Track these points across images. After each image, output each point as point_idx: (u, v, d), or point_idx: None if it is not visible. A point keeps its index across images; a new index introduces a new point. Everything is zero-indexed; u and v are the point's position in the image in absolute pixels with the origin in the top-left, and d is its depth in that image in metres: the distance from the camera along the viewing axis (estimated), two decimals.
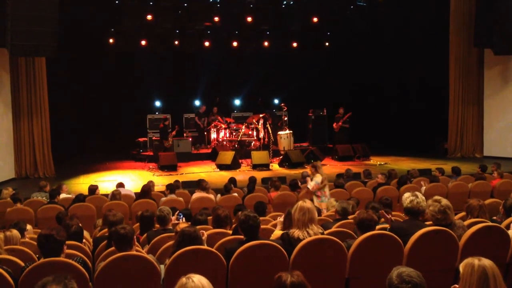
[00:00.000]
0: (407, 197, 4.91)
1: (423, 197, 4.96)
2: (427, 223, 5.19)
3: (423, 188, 9.28)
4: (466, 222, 5.13)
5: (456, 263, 4.57)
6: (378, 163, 15.54)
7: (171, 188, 9.38)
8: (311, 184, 8.74)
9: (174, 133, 16.42)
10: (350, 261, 4.46)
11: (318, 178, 8.75)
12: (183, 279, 2.76)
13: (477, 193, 9.01)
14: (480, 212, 5.49)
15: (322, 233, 4.78)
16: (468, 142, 16.65)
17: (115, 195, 8.89)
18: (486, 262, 2.99)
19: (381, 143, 18.25)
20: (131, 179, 13.35)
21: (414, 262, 4.23)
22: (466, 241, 4.53)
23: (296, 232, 4.64)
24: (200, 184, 9.47)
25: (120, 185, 10.38)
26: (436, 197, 4.83)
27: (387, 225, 5.24)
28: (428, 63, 17.24)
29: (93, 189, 9.67)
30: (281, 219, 5.69)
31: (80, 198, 8.85)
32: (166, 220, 5.76)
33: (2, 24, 12.03)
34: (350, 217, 6.07)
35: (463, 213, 5.91)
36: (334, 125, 17.67)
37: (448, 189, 9.32)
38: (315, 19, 18.32)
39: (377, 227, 5.02)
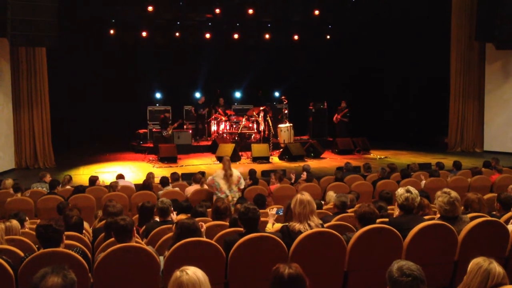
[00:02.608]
0: (401, 193, 4.91)
1: (417, 192, 4.96)
2: (426, 217, 5.20)
3: (423, 182, 9.30)
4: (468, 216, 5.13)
5: (455, 257, 4.58)
6: (378, 157, 15.54)
7: (162, 182, 9.43)
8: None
9: (176, 125, 16.41)
10: (349, 254, 4.47)
11: (216, 172, 8.48)
12: (177, 273, 2.72)
13: (477, 188, 9.00)
14: (480, 206, 5.51)
15: (322, 226, 4.79)
16: (468, 136, 16.64)
17: (112, 187, 8.94)
18: (494, 267, 2.99)
19: (381, 137, 18.25)
20: (131, 170, 13.35)
21: (413, 255, 4.24)
22: (465, 235, 4.54)
23: (297, 226, 4.64)
24: (194, 177, 9.49)
25: (120, 176, 10.39)
26: (446, 189, 4.85)
27: (386, 219, 5.25)
28: (429, 57, 17.20)
29: (93, 180, 9.68)
30: (272, 211, 5.69)
31: (79, 189, 8.87)
32: (167, 212, 5.77)
33: (3, 14, 12.01)
34: (349, 210, 6.08)
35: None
36: (334, 117, 17.73)
37: (447, 184, 9.31)
38: (316, 12, 18.28)
39: (377, 220, 5.02)
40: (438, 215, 5.07)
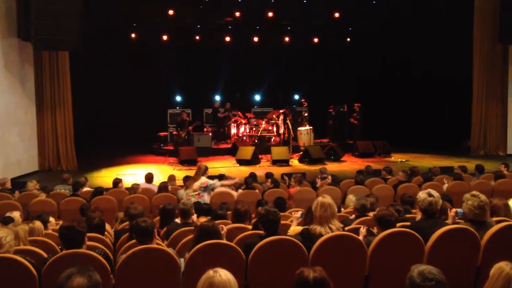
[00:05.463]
0: (424, 198, 4.83)
1: (439, 195, 4.89)
2: (447, 221, 5.14)
3: (445, 185, 9.18)
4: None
5: (478, 262, 4.52)
6: (399, 160, 15.41)
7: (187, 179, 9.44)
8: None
9: (191, 128, 16.40)
10: (370, 258, 4.44)
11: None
12: (211, 272, 2.77)
13: (501, 192, 8.85)
14: (506, 211, 5.42)
15: (343, 229, 4.76)
16: (491, 139, 16.43)
17: (133, 189, 9.03)
18: None
19: (402, 140, 18.09)
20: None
21: (435, 260, 4.19)
22: (488, 240, 4.47)
23: (318, 229, 4.62)
24: (224, 179, 9.51)
25: (149, 176, 10.37)
26: (474, 192, 4.78)
27: (407, 223, 5.20)
28: (451, 59, 17.01)
29: (117, 182, 9.78)
30: (297, 214, 5.67)
31: (98, 191, 8.95)
32: (189, 213, 5.81)
33: (27, 18, 12.24)
34: (370, 214, 6.03)
35: None
36: (350, 119, 17.79)
37: (470, 188, 9.16)
38: (336, 14, 18.21)
39: (398, 224, 4.97)
40: (452, 216, 5.02)
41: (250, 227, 5.52)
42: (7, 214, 6.34)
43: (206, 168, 8.63)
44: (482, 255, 4.49)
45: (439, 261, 4.06)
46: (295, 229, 5.40)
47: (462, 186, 9.04)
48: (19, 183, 11.02)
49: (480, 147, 16.48)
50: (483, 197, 4.70)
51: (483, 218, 4.68)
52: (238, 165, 14.66)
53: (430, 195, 4.82)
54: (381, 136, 17.01)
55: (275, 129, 17.21)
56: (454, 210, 5.11)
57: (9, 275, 3.99)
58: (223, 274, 2.76)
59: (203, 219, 5.35)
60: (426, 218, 4.85)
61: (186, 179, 9.64)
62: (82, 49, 13.01)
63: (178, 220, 5.96)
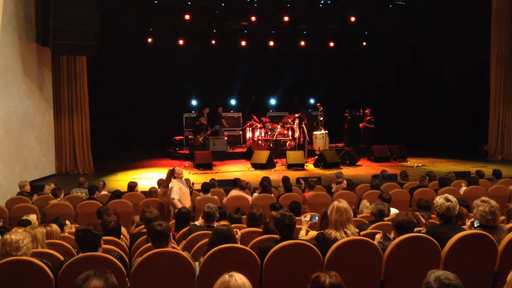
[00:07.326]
0: (441, 203, 4.78)
1: (456, 200, 4.85)
2: (464, 226, 5.09)
3: (462, 189, 9.10)
4: (507, 226, 5.00)
5: (495, 268, 4.46)
6: (416, 164, 15.28)
7: (205, 188, 9.37)
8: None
9: (209, 132, 16.47)
10: (385, 263, 4.41)
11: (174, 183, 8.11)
12: (226, 276, 2.78)
13: None
14: None
15: (359, 234, 4.74)
16: (509, 144, 16.22)
17: (151, 193, 9.08)
18: None
19: (419, 145, 17.96)
20: None
21: (451, 265, 4.15)
22: (505, 246, 4.42)
23: (333, 233, 4.60)
24: (238, 183, 9.48)
25: (161, 182, 10.41)
26: (484, 198, 4.75)
27: (422, 228, 5.15)
28: (468, 63, 16.86)
29: (132, 186, 9.83)
30: (306, 218, 5.65)
31: (116, 194, 9.01)
32: (213, 217, 5.83)
33: (45, 23, 12.39)
34: (386, 219, 5.99)
35: (502, 217, 5.77)
36: (361, 124, 17.68)
37: (487, 192, 9.08)
38: (352, 18, 18.13)
39: (415, 229, 4.93)
40: (468, 226, 4.97)
41: None
42: (24, 217, 6.42)
43: (173, 171, 8.39)
44: (499, 260, 4.44)
45: (455, 266, 4.03)
46: (302, 233, 5.39)
47: (479, 191, 8.96)
48: (37, 186, 11.16)
49: (497, 152, 16.28)
50: (493, 202, 4.69)
51: (495, 223, 4.66)
52: (253, 169, 14.67)
53: (447, 200, 4.77)
54: (397, 140, 16.87)
55: (290, 133, 17.20)
56: (470, 221, 5.06)
57: (26, 277, 4.03)
58: (239, 279, 2.77)
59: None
60: (443, 223, 4.80)
61: (160, 182, 9.56)
62: (99, 54, 13.15)
63: (198, 223, 5.97)
